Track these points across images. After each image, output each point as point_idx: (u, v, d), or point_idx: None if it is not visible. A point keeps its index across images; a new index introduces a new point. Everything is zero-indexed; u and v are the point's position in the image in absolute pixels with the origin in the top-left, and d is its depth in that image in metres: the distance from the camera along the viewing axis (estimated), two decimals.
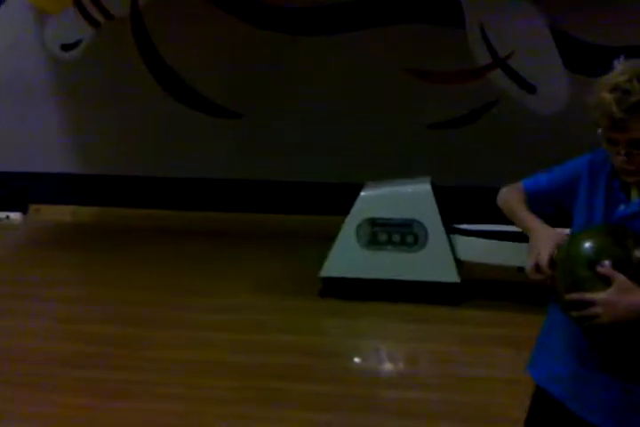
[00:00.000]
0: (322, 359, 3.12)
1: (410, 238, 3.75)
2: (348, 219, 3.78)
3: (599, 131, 1.30)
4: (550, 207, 1.53)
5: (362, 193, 3.90)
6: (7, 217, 5.81)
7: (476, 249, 3.76)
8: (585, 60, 5.04)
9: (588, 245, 1.27)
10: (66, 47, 5.76)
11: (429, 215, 3.74)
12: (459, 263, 3.80)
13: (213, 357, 3.13)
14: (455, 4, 5.19)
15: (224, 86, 5.59)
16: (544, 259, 1.31)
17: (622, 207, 1.36)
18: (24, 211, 5.88)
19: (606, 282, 1.23)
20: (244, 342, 3.29)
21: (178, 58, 5.59)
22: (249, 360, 3.09)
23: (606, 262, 1.24)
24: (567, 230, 1.44)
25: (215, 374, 2.96)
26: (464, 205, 4.36)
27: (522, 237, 1.54)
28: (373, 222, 3.79)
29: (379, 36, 5.28)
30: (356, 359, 3.32)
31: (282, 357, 3.13)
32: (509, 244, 3.52)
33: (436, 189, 3.86)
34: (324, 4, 5.41)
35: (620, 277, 1.23)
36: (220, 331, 3.42)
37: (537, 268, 1.33)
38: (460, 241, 3.81)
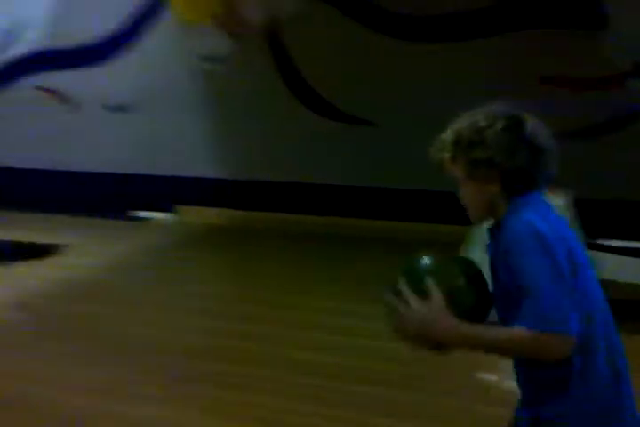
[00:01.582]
0: (438, 369, 2.94)
1: None
2: (478, 229, 3.71)
3: None
4: None
5: None
6: (156, 217, 6.27)
7: (621, 267, 3.57)
8: None
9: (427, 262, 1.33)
10: (208, 59, 6.12)
11: None
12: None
13: (328, 359, 3.12)
14: (594, 9, 4.96)
15: (356, 95, 5.64)
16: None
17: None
18: (172, 212, 6.33)
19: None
20: (356, 347, 3.26)
21: (311, 68, 5.74)
22: (355, 364, 3.05)
23: (430, 281, 1.25)
24: None
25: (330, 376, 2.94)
26: (603, 219, 4.16)
27: None
28: None
29: (514, 42, 5.13)
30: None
31: (389, 364, 3.02)
32: None
33: (576, 203, 3.65)
34: (459, 11, 5.34)
35: (437, 296, 1.23)
36: (333, 335, 3.41)
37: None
38: (604, 258, 3.61)
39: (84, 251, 5.13)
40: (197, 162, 6.29)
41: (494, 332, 1.21)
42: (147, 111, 6.31)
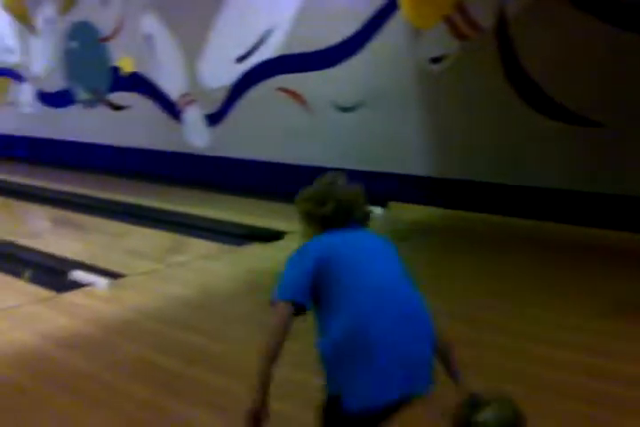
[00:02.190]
0: None
1: None
2: None
3: None
4: None
5: None
6: (372, 211, 6.52)
7: None
8: None
9: None
10: (434, 60, 6.19)
11: None
12: None
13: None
14: None
15: (585, 95, 5.31)
16: None
17: None
18: (385, 207, 6.54)
19: None
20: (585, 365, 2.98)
21: (539, 67, 5.50)
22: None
23: None
24: None
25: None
26: None
27: None
28: None
29: None
30: None
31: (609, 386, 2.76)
32: None
33: None
34: None
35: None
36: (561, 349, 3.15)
37: None
38: None
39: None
40: (417, 159, 6.41)
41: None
42: (372, 110, 6.60)
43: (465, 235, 5.52)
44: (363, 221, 2.03)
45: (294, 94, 7.22)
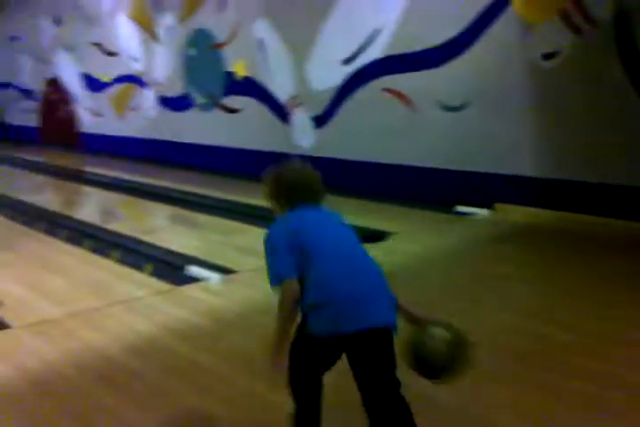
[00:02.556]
0: None
1: None
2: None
3: None
4: None
5: None
6: (476, 213, 6.42)
7: None
8: None
9: None
10: (547, 56, 5.97)
11: None
12: None
13: None
14: None
15: None
16: None
17: None
18: (490, 208, 6.40)
19: None
20: None
21: None
22: None
23: None
24: None
25: None
26: None
27: None
28: None
29: None
30: None
31: None
32: None
33: None
34: None
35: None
36: None
37: None
38: None
39: (406, 238, 5.58)
40: (525, 159, 6.22)
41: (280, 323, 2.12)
42: (479, 109, 6.48)
43: (573, 237, 5.32)
44: (318, 199, 2.38)
45: (399, 95, 7.23)
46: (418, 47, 6.90)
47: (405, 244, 5.40)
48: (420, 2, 6.84)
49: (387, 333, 2.05)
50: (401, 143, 7.30)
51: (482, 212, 6.35)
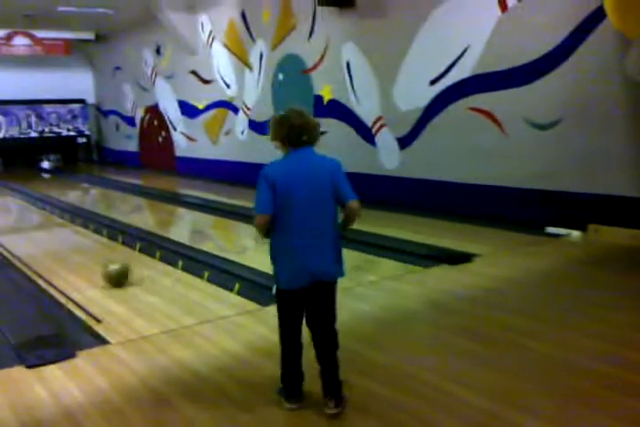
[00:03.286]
0: None
1: None
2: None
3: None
4: None
5: None
6: (568, 234, 6.18)
7: None
8: None
9: None
10: None
11: None
12: None
13: None
14: None
15: None
16: None
17: None
18: (584, 230, 6.13)
19: None
20: None
21: None
22: None
23: None
24: None
25: None
26: None
27: None
28: None
29: None
30: None
31: None
32: None
33: None
34: None
35: None
36: None
37: None
38: None
39: (493, 261, 5.43)
40: (622, 178, 5.93)
41: None
42: (571, 127, 6.26)
43: None
44: (313, 143, 2.83)
45: (486, 113, 7.11)
46: (508, 64, 6.79)
47: (491, 266, 5.27)
48: (510, 19, 6.74)
49: (328, 284, 2.86)
50: (489, 163, 7.17)
51: (574, 233, 6.10)
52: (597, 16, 5.86)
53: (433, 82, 7.73)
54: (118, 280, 5.00)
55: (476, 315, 4.12)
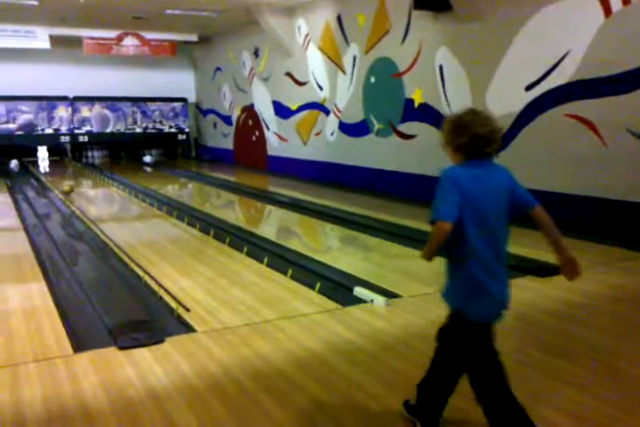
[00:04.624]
0: None
1: None
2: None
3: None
4: None
5: None
6: None
7: None
8: None
9: None
10: None
11: None
12: None
13: None
14: None
15: None
16: None
17: None
18: None
19: None
20: None
21: None
22: None
23: None
24: None
25: None
26: None
27: None
28: None
29: None
30: None
31: None
32: None
33: None
34: None
35: None
36: None
37: None
38: None
39: (584, 275, 5.17)
40: None
41: None
42: None
43: None
44: (493, 155, 2.36)
45: (584, 121, 6.81)
46: (609, 71, 6.48)
47: (580, 281, 5.01)
48: (614, 24, 6.42)
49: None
50: (586, 172, 6.86)
51: None
52: None
53: (529, 87, 7.48)
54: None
55: (562, 330, 3.96)
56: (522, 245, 6.19)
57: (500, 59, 7.81)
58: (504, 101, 7.86)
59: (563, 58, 7.00)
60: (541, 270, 5.20)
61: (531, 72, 7.43)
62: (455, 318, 2.47)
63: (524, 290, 4.84)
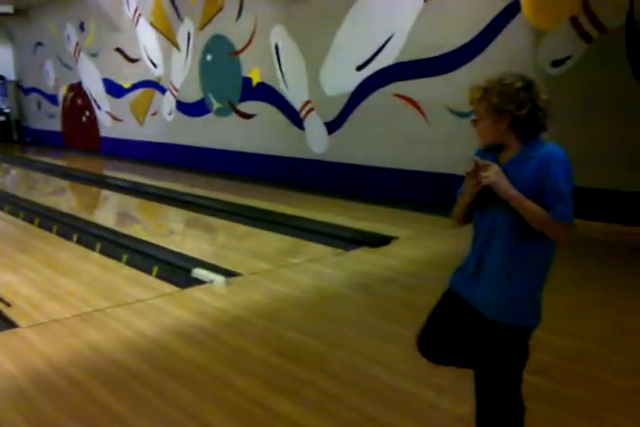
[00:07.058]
0: None
1: None
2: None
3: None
4: None
5: None
6: None
7: None
8: None
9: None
10: (556, 63, 5.93)
11: None
12: None
13: None
14: None
15: None
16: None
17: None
18: None
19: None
20: None
21: None
22: None
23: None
24: None
25: None
26: None
27: None
28: None
29: None
30: None
31: None
32: None
33: None
34: None
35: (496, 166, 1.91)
36: None
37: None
38: None
39: (412, 244, 5.56)
40: None
41: (533, 204, 1.83)
42: None
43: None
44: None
45: (410, 100, 7.23)
46: (430, 53, 6.92)
47: (409, 249, 5.39)
48: (434, 7, 6.84)
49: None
50: (412, 148, 7.31)
51: None
52: (513, 8, 6.03)
53: (359, 68, 7.77)
54: None
55: (385, 293, 4.22)
56: (359, 218, 6.48)
57: (332, 39, 8.02)
58: (338, 81, 8.10)
59: (389, 40, 7.34)
60: (374, 242, 5.47)
61: (360, 53, 7.71)
62: (517, 336, 1.96)
63: (358, 261, 5.08)
